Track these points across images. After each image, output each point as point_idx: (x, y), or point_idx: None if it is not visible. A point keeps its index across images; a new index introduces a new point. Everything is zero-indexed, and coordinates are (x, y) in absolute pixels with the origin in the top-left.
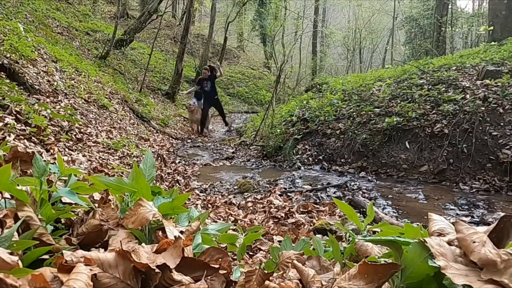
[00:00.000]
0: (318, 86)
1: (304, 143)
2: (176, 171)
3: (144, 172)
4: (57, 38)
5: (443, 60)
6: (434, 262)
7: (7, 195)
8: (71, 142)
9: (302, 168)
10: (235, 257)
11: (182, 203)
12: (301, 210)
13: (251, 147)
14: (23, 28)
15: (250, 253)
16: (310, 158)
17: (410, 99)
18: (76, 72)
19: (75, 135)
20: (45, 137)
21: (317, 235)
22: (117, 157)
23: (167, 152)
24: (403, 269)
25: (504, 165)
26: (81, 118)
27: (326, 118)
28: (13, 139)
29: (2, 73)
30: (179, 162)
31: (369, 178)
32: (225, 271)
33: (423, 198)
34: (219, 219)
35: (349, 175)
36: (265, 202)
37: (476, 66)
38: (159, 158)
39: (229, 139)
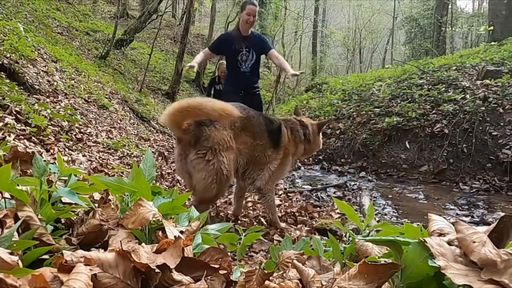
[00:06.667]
0: (318, 86)
1: None
2: None
3: (144, 172)
4: (57, 38)
5: (443, 60)
6: (434, 262)
7: (7, 195)
8: (71, 142)
9: (302, 168)
10: (235, 257)
11: (182, 203)
12: (301, 210)
13: None
14: (23, 28)
15: (250, 253)
16: (310, 158)
17: (410, 99)
18: (76, 72)
19: (75, 135)
20: (45, 137)
21: (317, 235)
22: (117, 157)
23: (167, 152)
24: (403, 269)
25: (504, 165)
26: (81, 118)
27: (326, 118)
28: (13, 139)
29: (2, 73)
30: None
31: (369, 178)
32: (225, 271)
33: (423, 198)
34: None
35: (349, 175)
36: None
37: (476, 66)
38: (160, 156)
39: None
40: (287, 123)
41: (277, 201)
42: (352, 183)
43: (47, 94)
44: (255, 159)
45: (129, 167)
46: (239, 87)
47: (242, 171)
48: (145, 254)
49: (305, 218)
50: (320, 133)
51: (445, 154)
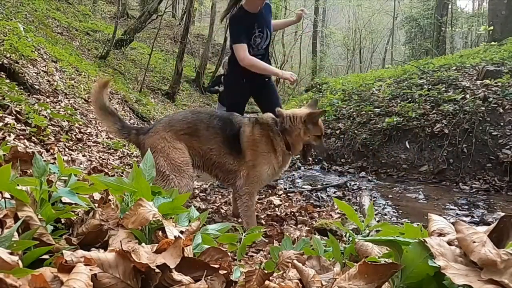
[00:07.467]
0: (318, 86)
1: None
2: None
3: (144, 172)
4: (57, 38)
5: (443, 60)
6: (434, 262)
7: (7, 195)
8: (71, 142)
9: (302, 168)
10: (235, 257)
11: (182, 203)
12: (301, 210)
13: None
14: (23, 28)
15: (250, 253)
16: (310, 158)
17: (410, 99)
18: (76, 72)
19: (75, 135)
20: (45, 137)
21: (317, 235)
22: (117, 157)
23: None
24: (403, 269)
25: (504, 165)
26: (81, 118)
27: (326, 118)
28: (13, 139)
29: (2, 73)
30: None
31: (369, 178)
32: (225, 271)
33: (423, 198)
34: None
35: (349, 175)
36: (265, 202)
37: (476, 66)
38: None
39: None
40: (257, 120)
41: (277, 201)
42: (352, 183)
43: (47, 94)
44: (215, 164)
45: (129, 167)
46: (249, 77)
47: (214, 175)
48: (145, 254)
49: (305, 218)
50: (311, 124)
51: (445, 154)
